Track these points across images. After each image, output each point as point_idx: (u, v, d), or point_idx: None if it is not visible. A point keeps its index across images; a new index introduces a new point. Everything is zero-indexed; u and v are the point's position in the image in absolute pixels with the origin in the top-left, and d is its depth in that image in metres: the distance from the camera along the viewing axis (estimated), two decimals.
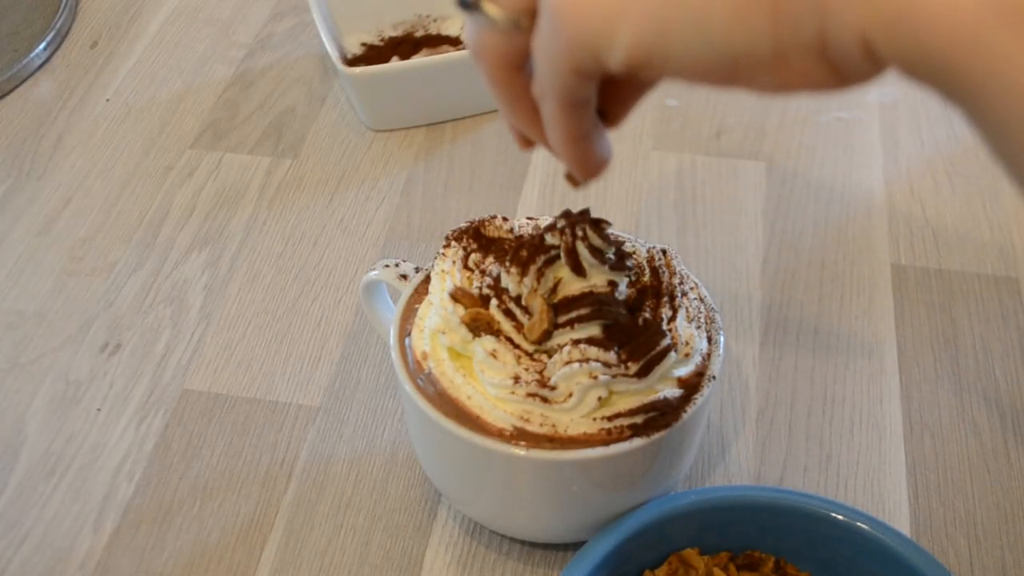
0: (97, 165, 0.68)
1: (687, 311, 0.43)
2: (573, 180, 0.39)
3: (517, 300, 0.41)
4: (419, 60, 0.70)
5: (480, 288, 0.42)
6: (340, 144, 0.69)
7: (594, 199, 0.64)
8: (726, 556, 0.44)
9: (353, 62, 0.72)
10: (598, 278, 0.41)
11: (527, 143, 0.36)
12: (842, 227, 0.62)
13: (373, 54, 0.73)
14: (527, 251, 0.41)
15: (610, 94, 0.34)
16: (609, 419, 0.40)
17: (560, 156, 0.34)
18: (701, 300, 0.45)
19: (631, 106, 0.35)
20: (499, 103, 0.34)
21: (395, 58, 0.71)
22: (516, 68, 0.32)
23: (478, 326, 0.41)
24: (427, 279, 0.45)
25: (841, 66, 0.26)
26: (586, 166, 0.34)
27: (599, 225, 0.41)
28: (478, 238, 0.44)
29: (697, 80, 0.28)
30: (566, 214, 0.41)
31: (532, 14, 0.30)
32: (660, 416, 0.40)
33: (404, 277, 0.47)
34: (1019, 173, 0.25)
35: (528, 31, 0.31)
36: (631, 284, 0.43)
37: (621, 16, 0.27)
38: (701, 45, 0.27)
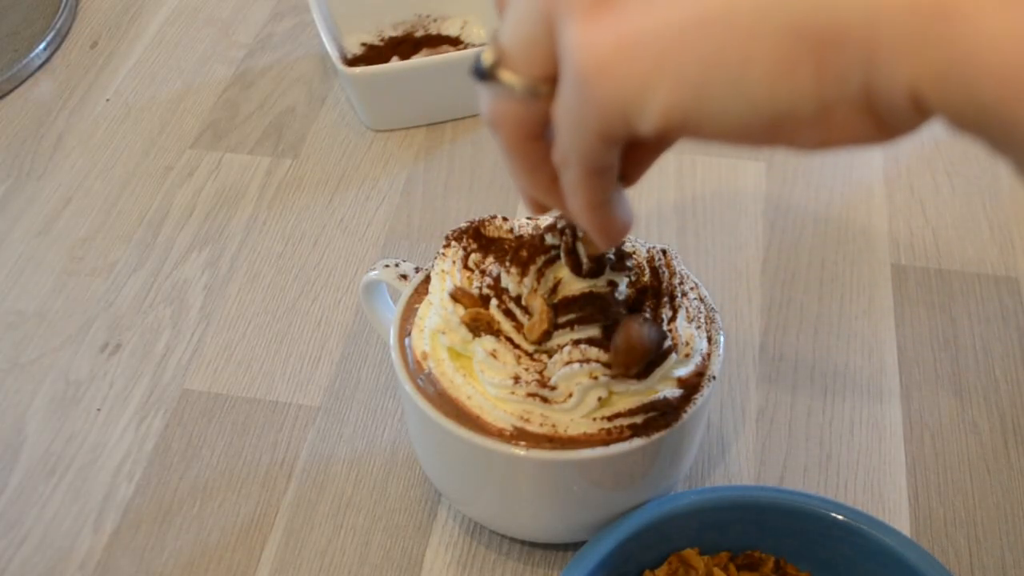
0: (97, 165, 0.68)
1: (687, 311, 0.43)
2: (593, 246, 0.39)
3: (517, 300, 0.41)
4: (419, 60, 0.70)
5: (480, 288, 0.42)
6: (340, 144, 0.69)
7: None
8: (726, 556, 0.44)
9: (353, 62, 0.72)
10: (598, 278, 0.41)
11: (541, 208, 0.35)
12: (842, 227, 0.62)
13: (373, 54, 0.73)
14: (527, 251, 0.41)
15: (627, 154, 0.33)
16: (609, 419, 0.40)
17: (581, 222, 0.33)
18: (701, 300, 0.45)
19: (649, 165, 0.34)
20: (516, 172, 0.33)
21: (395, 58, 0.71)
22: (535, 137, 0.31)
23: (478, 326, 0.41)
24: (427, 279, 0.45)
25: (887, 119, 0.25)
26: (608, 232, 0.33)
27: None
28: (478, 238, 0.44)
29: (734, 141, 0.27)
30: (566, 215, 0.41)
31: (551, 80, 0.29)
32: (660, 416, 0.40)
33: (404, 277, 0.47)
34: None
35: (547, 98, 0.29)
36: (631, 284, 0.43)
37: (654, 78, 0.26)
38: (741, 105, 0.25)
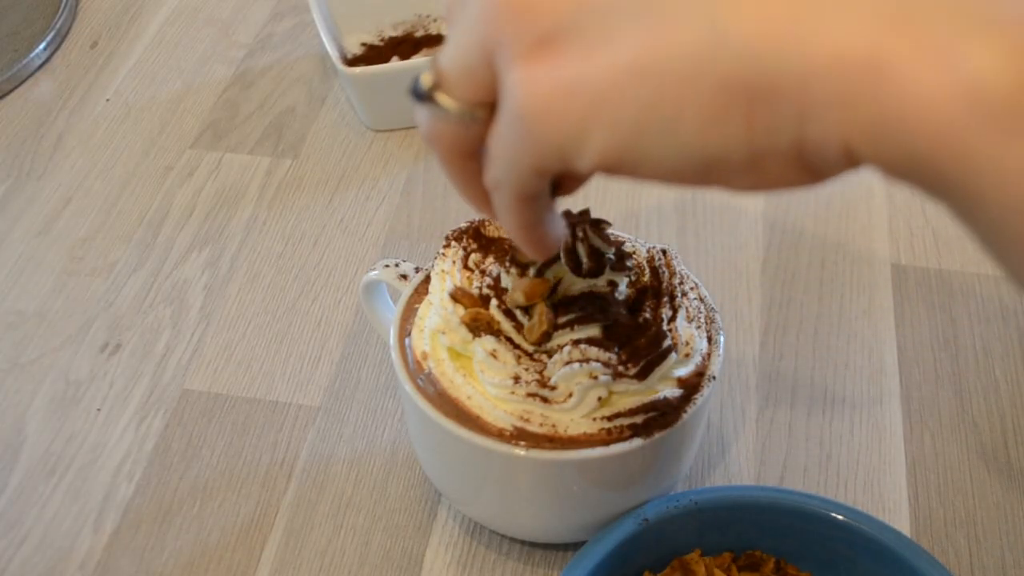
0: (97, 165, 0.68)
1: (687, 311, 0.43)
2: (523, 254, 0.39)
3: None
4: (419, 60, 0.70)
5: (480, 288, 0.42)
6: (340, 144, 0.69)
7: (594, 199, 0.64)
8: (729, 557, 0.44)
9: (353, 62, 0.72)
10: (598, 278, 0.41)
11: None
12: (842, 227, 0.62)
13: (373, 54, 0.73)
14: None
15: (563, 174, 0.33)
16: (609, 419, 0.40)
17: (512, 237, 0.34)
18: (701, 300, 0.45)
19: (585, 181, 0.35)
20: (452, 182, 0.34)
21: (395, 58, 0.71)
22: (470, 156, 0.32)
23: (478, 326, 0.41)
24: (427, 279, 0.45)
25: (818, 167, 0.26)
26: (538, 248, 0.34)
27: (599, 225, 0.41)
28: (478, 238, 0.44)
29: (668, 182, 0.28)
30: (566, 214, 0.41)
31: (489, 107, 0.29)
32: (660, 416, 0.40)
33: (404, 277, 0.47)
34: (1010, 268, 0.24)
35: (484, 122, 0.30)
36: (631, 284, 0.43)
37: (592, 120, 0.26)
38: (674, 150, 0.26)
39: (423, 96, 0.30)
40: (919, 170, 0.24)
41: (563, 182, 0.34)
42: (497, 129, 0.29)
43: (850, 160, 0.25)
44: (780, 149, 0.25)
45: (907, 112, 0.23)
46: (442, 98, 0.30)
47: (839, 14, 0.24)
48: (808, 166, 0.26)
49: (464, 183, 0.33)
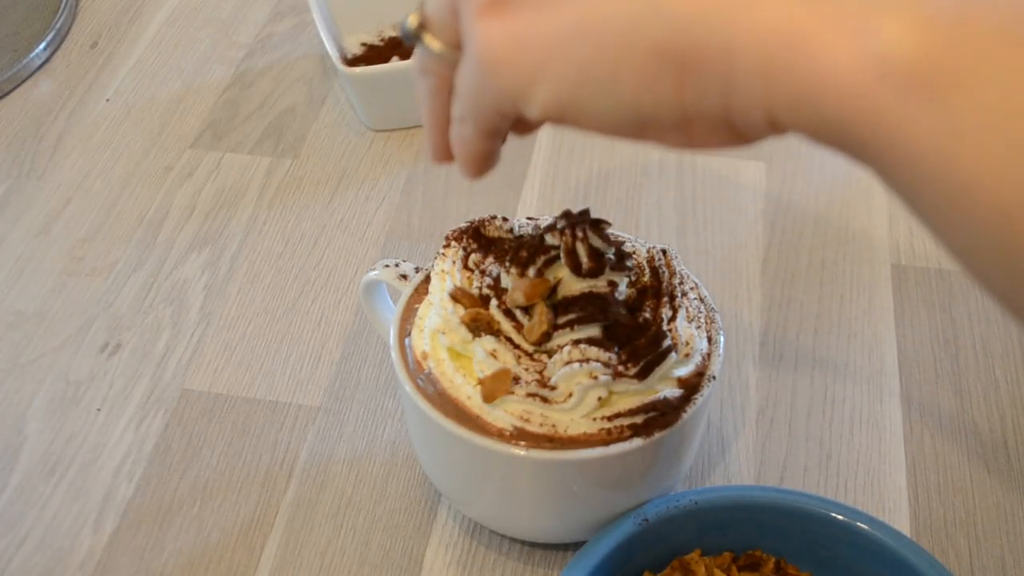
0: (97, 165, 0.68)
1: (687, 311, 0.43)
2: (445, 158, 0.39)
3: None
4: None
5: (480, 288, 0.42)
6: (340, 144, 0.69)
7: (594, 199, 0.64)
8: (729, 557, 0.44)
9: (353, 62, 0.72)
10: (598, 278, 0.41)
11: (446, 157, 0.37)
12: (842, 227, 0.62)
13: (373, 54, 0.73)
14: (527, 251, 0.41)
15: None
16: (609, 419, 0.40)
17: (461, 162, 0.36)
18: (701, 300, 0.45)
19: (538, 127, 0.37)
20: (425, 115, 0.36)
21: (395, 58, 0.71)
22: (450, 91, 0.34)
23: (478, 326, 0.41)
24: (427, 279, 0.45)
25: (743, 132, 0.28)
26: (477, 173, 0.36)
27: (599, 225, 0.41)
28: (478, 238, 0.44)
29: (608, 134, 0.30)
30: (566, 214, 0.41)
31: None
32: (660, 416, 0.40)
33: (404, 277, 0.47)
34: (933, 229, 0.25)
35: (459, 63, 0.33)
36: (631, 284, 0.43)
37: (539, 74, 0.29)
38: (610, 107, 0.28)
39: (410, 36, 0.33)
40: (838, 137, 0.25)
41: (523, 125, 0.36)
42: (462, 71, 0.32)
43: (774, 127, 0.27)
44: (708, 113, 0.27)
45: (822, 83, 0.24)
46: (427, 38, 0.33)
47: None
48: (735, 130, 0.28)
49: (434, 113, 0.35)
